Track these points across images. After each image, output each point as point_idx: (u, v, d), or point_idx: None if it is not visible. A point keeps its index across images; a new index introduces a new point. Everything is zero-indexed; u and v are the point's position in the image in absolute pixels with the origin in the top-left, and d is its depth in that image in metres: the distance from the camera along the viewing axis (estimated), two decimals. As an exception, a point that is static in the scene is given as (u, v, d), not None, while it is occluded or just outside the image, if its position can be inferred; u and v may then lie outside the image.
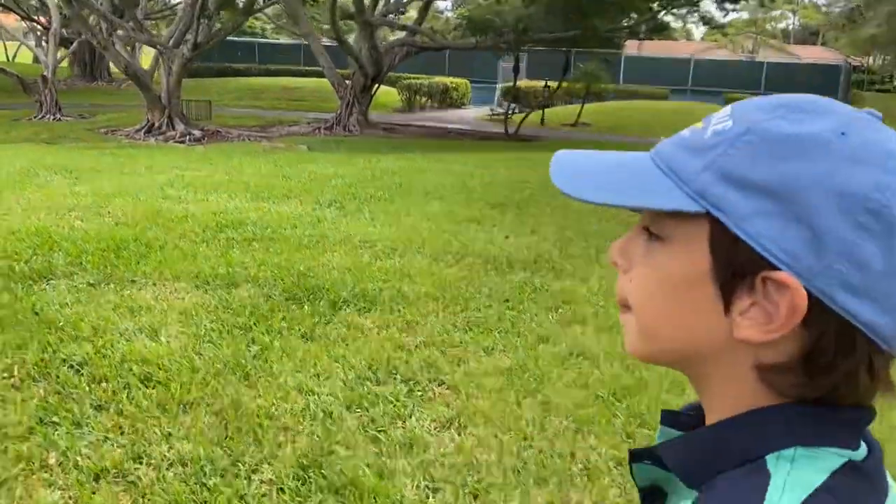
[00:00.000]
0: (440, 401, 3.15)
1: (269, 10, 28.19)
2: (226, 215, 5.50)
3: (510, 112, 27.85)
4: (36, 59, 32.07)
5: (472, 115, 30.21)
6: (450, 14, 31.80)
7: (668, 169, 0.58)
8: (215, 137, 19.85)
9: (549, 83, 27.69)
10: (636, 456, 0.64)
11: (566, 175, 0.61)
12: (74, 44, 25.71)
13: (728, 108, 0.61)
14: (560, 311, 4.03)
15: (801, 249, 0.51)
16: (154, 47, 19.48)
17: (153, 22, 30.92)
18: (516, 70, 21.50)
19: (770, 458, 0.53)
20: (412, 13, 27.71)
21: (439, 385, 3.24)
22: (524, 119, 21.73)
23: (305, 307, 3.65)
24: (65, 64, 32.72)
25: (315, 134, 21.22)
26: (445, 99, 32.19)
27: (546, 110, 29.54)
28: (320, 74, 38.49)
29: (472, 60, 35.80)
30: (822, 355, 0.53)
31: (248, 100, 29.23)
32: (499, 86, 35.89)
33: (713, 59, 31.33)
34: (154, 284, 3.85)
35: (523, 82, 31.53)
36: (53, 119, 23.36)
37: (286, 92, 30.14)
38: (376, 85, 21.72)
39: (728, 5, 24.90)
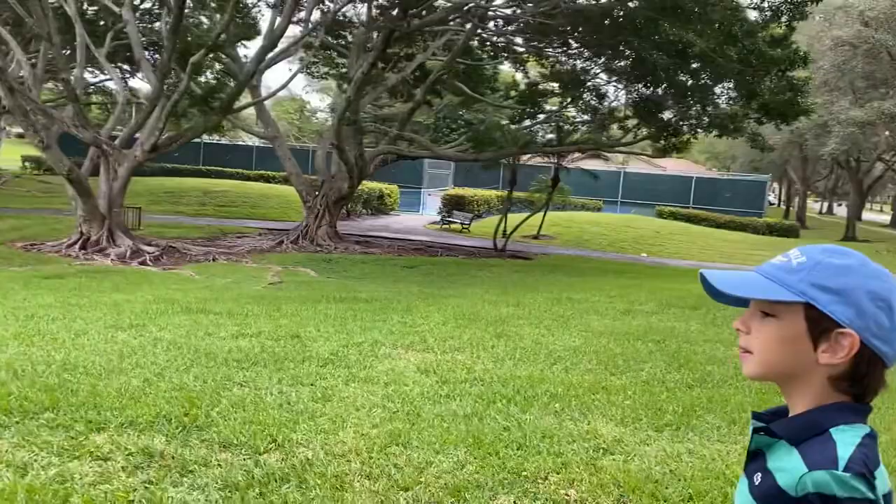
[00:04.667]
0: None
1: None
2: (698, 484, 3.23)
3: (474, 223, 26.39)
4: None
5: (416, 222, 28.40)
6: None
7: (776, 279, 1.09)
8: (174, 256, 16.54)
9: (510, 193, 26.77)
10: (755, 429, 1.13)
11: (725, 284, 1.11)
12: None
13: (799, 250, 1.12)
14: None
15: (855, 318, 1.04)
16: (99, 147, 16.13)
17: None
18: (512, 183, 20.12)
19: (832, 430, 1.03)
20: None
21: None
22: (512, 233, 20.18)
23: None
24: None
25: (283, 249, 18.42)
26: (380, 205, 30.27)
27: (490, 220, 28.54)
28: (230, 176, 35.38)
29: (396, 166, 34.32)
30: (862, 371, 1.06)
31: (166, 204, 25.63)
32: (427, 191, 34.56)
33: (642, 173, 32.01)
34: None
35: (464, 190, 30.41)
36: (-64, 227, 18.76)
37: (209, 196, 26.84)
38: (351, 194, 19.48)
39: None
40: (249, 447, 3.43)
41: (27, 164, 41.15)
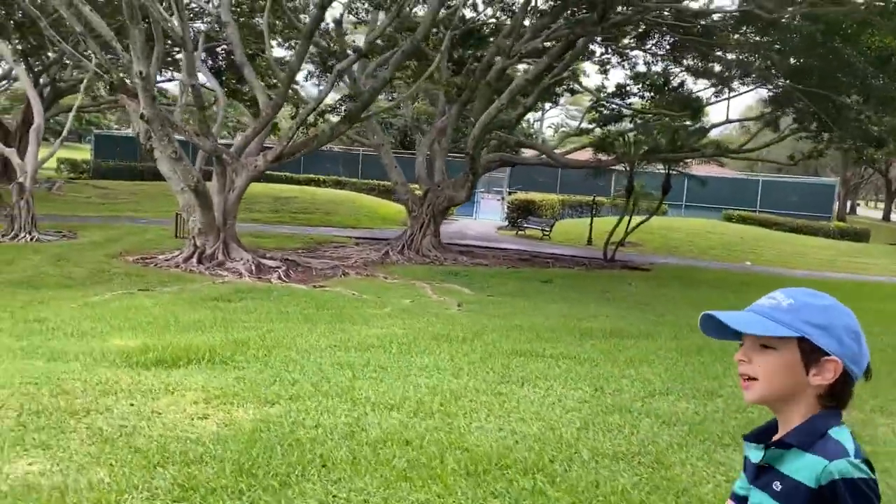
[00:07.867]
0: None
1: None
2: None
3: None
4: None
5: (483, 228, 27.76)
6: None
7: (771, 318, 1.38)
8: (298, 270, 15.81)
9: (597, 199, 26.29)
10: (766, 445, 1.42)
11: (737, 323, 1.39)
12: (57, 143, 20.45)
13: (784, 294, 1.41)
14: None
15: (837, 349, 1.34)
16: (218, 156, 15.38)
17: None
18: (630, 190, 19.48)
19: (830, 432, 1.33)
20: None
21: None
22: (622, 241, 19.59)
23: None
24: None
25: (392, 260, 17.72)
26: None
27: (560, 226, 27.96)
28: (278, 180, 34.43)
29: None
30: (839, 388, 1.36)
31: (240, 212, 24.80)
32: (482, 195, 33.94)
33: (707, 176, 31.40)
34: None
35: (531, 194, 29.74)
36: (30, 239, 17.89)
37: (280, 202, 26.07)
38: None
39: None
40: None
41: (62, 166, 40.06)
